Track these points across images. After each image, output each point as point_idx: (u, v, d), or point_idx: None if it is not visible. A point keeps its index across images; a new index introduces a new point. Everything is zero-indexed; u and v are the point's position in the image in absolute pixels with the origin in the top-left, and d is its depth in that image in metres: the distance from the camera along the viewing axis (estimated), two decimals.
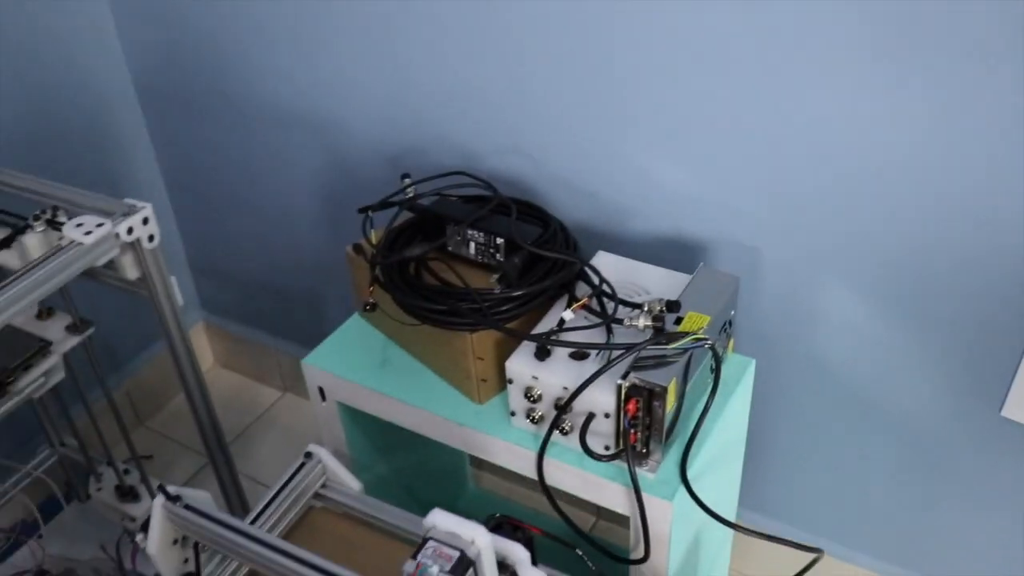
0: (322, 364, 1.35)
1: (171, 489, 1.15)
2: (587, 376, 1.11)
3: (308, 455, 1.30)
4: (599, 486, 1.16)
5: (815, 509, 1.54)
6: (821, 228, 1.29)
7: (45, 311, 1.41)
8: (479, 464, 1.86)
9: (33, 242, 1.22)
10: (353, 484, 1.31)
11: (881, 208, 1.23)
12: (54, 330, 1.37)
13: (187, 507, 1.13)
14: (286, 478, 1.28)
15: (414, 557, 0.86)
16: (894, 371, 1.35)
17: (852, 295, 1.32)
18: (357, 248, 1.33)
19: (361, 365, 1.34)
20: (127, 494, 1.70)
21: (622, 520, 1.17)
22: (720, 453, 1.26)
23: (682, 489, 1.13)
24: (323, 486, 1.28)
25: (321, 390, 1.37)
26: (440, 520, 0.87)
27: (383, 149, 1.59)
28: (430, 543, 0.86)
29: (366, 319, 1.41)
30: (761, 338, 1.41)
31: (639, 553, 1.17)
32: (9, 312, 1.12)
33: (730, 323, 1.25)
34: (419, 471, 1.65)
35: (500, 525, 1.01)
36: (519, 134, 1.44)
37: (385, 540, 1.20)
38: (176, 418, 2.15)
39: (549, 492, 1.19)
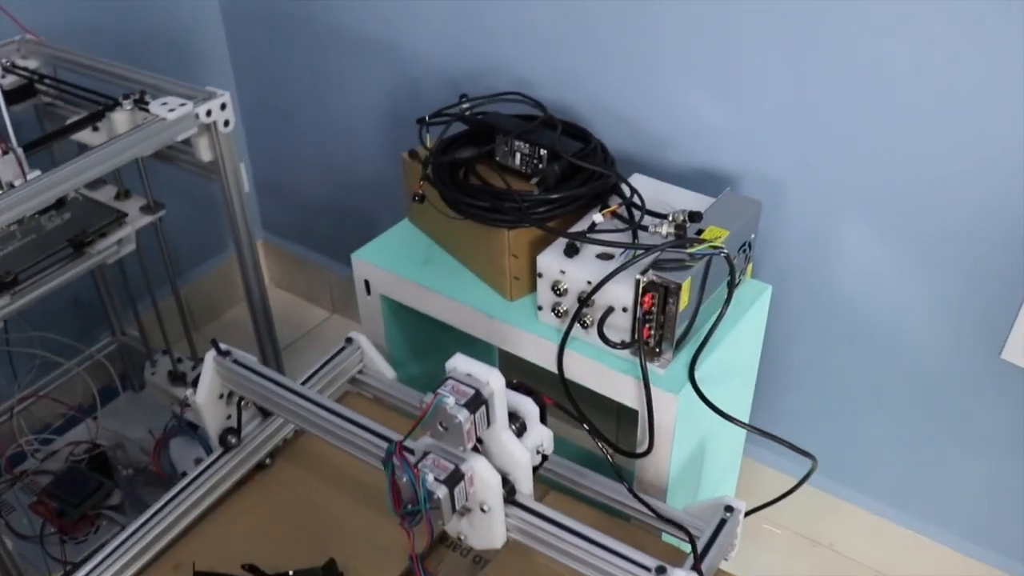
0: (370, 258, 1.47)
1: (222, 345, 1.27)
2: (607, 276, 1.21)
3: (349, 340, 1.42)
4: (612, 378, 1.26)
5: (818, 443, 1.61)
6: (845, 167, 1.37)
7: (123, 192, 1.54)
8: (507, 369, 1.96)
9: (121, 118, 1.36)
10: (388, 372, 1.43)
11: (904, 151, 1.31)
12: (130, 208, 1.50)
13: (236, 362, 1.25)
14: (327, 358, 1.39)
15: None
16: (904, 309, 1.43)
17: (870, 233, 1.40)
18: (412, 153, 1.45)
19: (405, 261, 1.45)
20: (178, 379, 1.84)
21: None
22: (730, 367, 1.35)
23: (688, 386, 1.23)
24: (360, 372, 1.40)
25: (367, 283, 1.49)
26: (460, 362, 0.97)
27: (446, 73, 1.71)
28: (449, 381, 0.96)
29: (414, 223, 1.52)
30: (780, 269, 1.49)
31: (643, 446, 1.27)
32: (96, 170, 1.25)
33: (750, 245, 1.34)
34: None
35: (517, 387, 1.11)
36: (571, 66, 1.54)
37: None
38: (230, 329, 2.28)
39: (567, 383, 1.29)
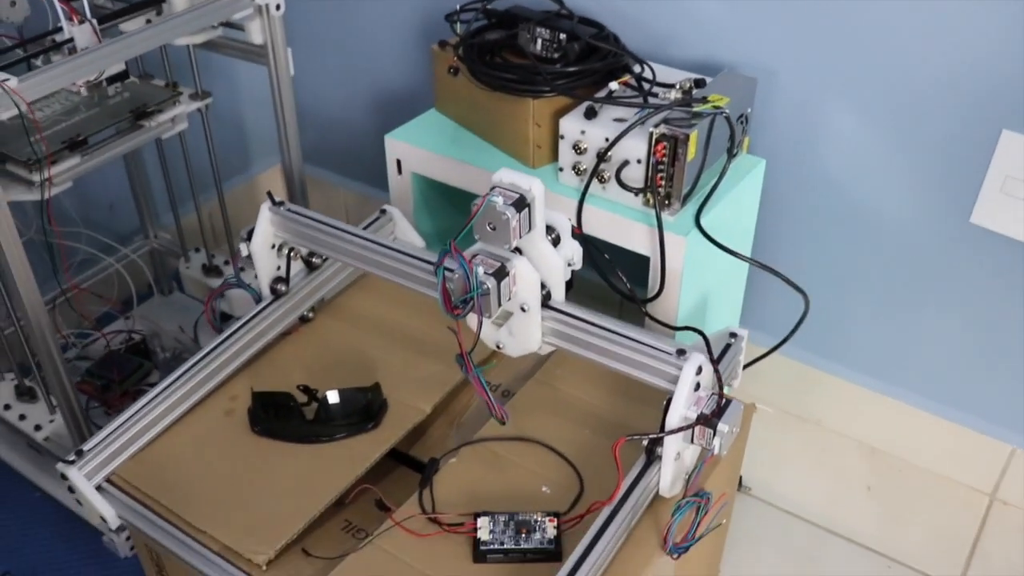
0: (402, 137, 1.61)
1: (276, 197, 1.41)
2: (624, 130, 1.36)
3: (383, 211, 1.56)
4: (626, 227, 1.41)
5: (806, 320, 1.76)
6: (831, 55, 1.53)
7: (172, 84, 1.68)
8: None
9: (179, 1, 1.49)
10: (418, 241, 1.57)
11: (882, 38, 1.47)
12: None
13: (290, 210, 1.39)
14: (364, 225, 1.53)
15: None
16: (885, 185, 1.59)
17: (853, 114, 1.56)
18: (442, 43, 1.60)
19: (435, 141, 1.60)
20: (211, 271, 1.97)
21: None
22: (730, 230, 1.50)
23: (695, 230, 1.38)
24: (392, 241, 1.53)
25: (399, 162, 1.63)
26: (505, 174, 1.12)
27: None
28: (496, 189, 1.11)
29: (441, 111, 1.67)
30: (772, 149, 1.64)
31: (655, 289, 1.42)
32: (164, 36, 1.40)
33: (746, 119, 1.50)
34: None
35: None
36: None
37: None
38: None
39: (585, 237, 1.43)
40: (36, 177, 1.37)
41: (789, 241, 1.73)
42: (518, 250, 1.13)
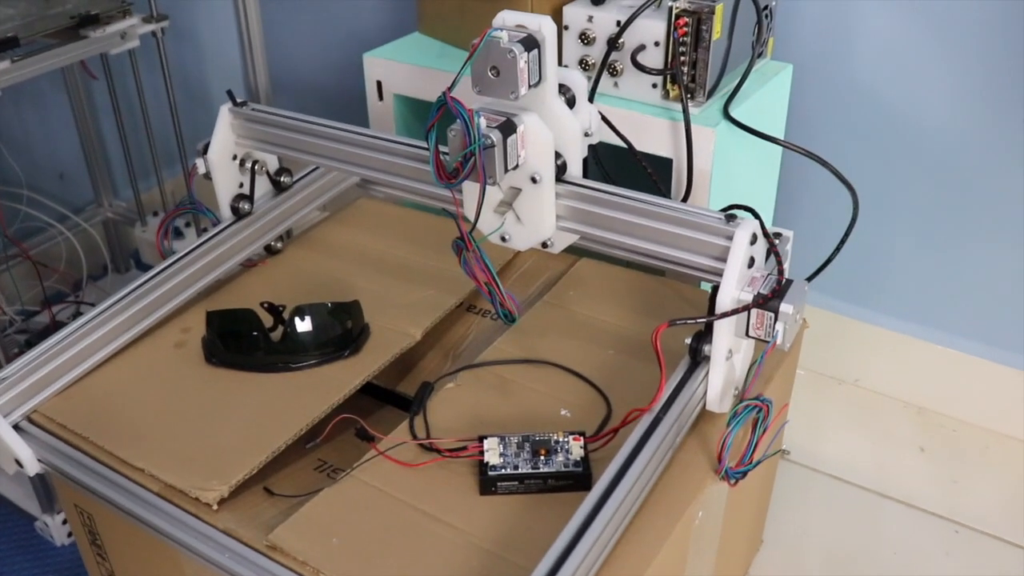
0: (383, 55, 1.41)
1: (238, 98, 1.21)
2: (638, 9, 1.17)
3: None
4: (644, 126, 1.21)
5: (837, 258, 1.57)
6: None
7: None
8: None
9: None
10: None
11: None
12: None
13: (255, 110, 1.19)
14: (337, 127, 1.32)
15: None
16: (923, 94, 1.40)
17: (887, 9, 1.37)
18: None
19: (420, 57, 1.40)
20: (172, 234, 1.76)
21: None
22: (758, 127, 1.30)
23: (725, 122, 1.18)
24: None
25: (379, 85, 1.43)
26: (509, 15, 0.92)
27: None
28: (500, 30, 0.90)
29: (424, 32, 1.48)
30: (799, 55, 1.45)
31: (680, 193, 1.21)
32: None
33: (771, 13, 1.31)
34: None
35: None
36: None
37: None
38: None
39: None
40: None
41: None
42: (524, 107, 0.92)
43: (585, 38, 1.22)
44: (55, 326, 1.60)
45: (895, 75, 1.41)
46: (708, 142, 1.17)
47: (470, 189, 0.93)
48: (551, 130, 0.92)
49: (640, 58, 1.18)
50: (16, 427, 1.00)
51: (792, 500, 1.41)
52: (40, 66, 1.27)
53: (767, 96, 1.30)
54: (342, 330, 1.07)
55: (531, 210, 0.96)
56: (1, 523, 1.43)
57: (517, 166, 0.92)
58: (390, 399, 1.10)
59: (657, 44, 1.17)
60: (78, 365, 1.05)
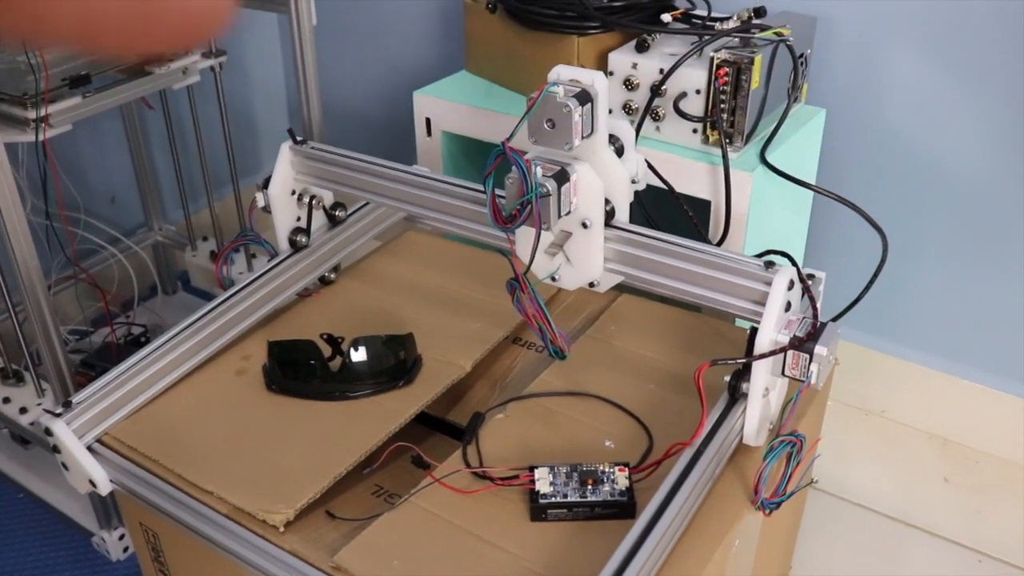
0: (432, 93, 1.47)
1: (298, 136, 1.27)
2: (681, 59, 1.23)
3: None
4: (684, 169, 1.27)
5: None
6: None
7: None
8: None
9: None
10: None
11: None
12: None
13: (314, 148, 1.25)
14: (394, 167, 1.38)
15: None
16: (953, 139, 1.45)
17: (917, 56, 1.42)
18: None
19: (468, 96, 1.46)
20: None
21: None
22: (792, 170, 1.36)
23: (761, 167, 1.24)
24: None
25: (428, 122, 1.49)
26: (564, 70, 0.97)
27: None
28: (556, 85, 0.96)
29: (471, 70, 1.54)
30: (832, 99, 1.50)
31: (718, 234, 1.27)
32: None
33: (806, 60, 1.36)
34: None
35: None
36: None
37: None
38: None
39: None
40: (29, 114, 1.23)
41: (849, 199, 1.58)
42: (577, 156, 0.98)
43: (629, 84, 1.28)
44: (116, 347, 1.66)
45: (924, 120, 1.46)
46: (745, 186, 1.22)
47: (525, 233, 0.99)
48: (601, 178, 0.98)
49: (682, 105, 1.24)
50: (88, 449, 1.06)
51: (820, 528, 1.45)
52: (108, 102, 1.34)
53: (801, 140, 1.35)
54: (396, 361, 1.13)
55: (580, 253, 1.02)
56: (58, 537, 1.50)
57: (569, 212, 0.98)
58: (441, 427, 1.16)
59: (698, 92, 1.23)
60: (146, 391, 1.11)
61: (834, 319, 1.25)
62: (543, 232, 0.97)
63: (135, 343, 1.70)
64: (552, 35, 1.34)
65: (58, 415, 1.05)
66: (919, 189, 1.51)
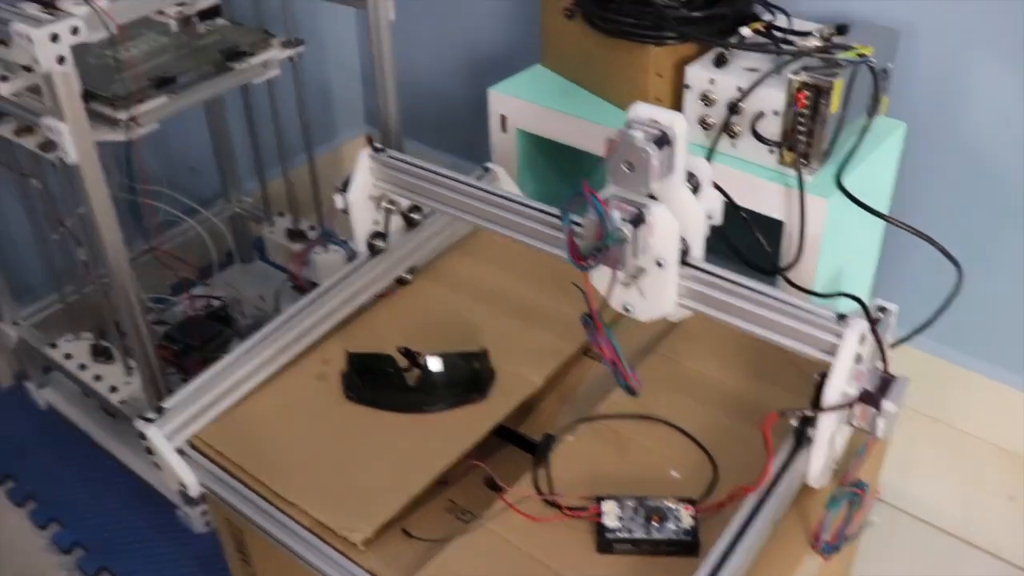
0: (507, 91, 1.48)
1: (377, 143, 1.29)
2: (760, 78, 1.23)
3: (486, 169, 1.44)
4: (758, 188, 1.27)
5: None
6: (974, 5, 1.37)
7: (261, 30, 1.57)
8: None
9: None
10: None
11: None
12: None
13: (392, 157, 1.27)
14: (467, 183, 1.41)
15: None
16: None
17: (1004, 70, 1.40)
18: None
19: (543, 94, 1.48)
20: (296, 236, 1.86)
21: None
22: (866, 194, 1.35)
23: (837, 192, 1.24)
24: None
25: (503, 119, 1.51)
26: (643, 109, 0.98)
27: None
28: (634, 124, 0.97)
29: (547, 65, 1.55)
30: (913, 113, 1.49)
31: (791, 257, 1.28)
32: None
33: (887, 73, 1.35)
34: None
35: None
36: None
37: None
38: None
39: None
40: (120, 115, 1.27)
41: (927, 214, 1.57)
42: (653, 197, 1.00)
43: (706, 99, 1.28)
44: (195, 320, 1.71)
45: (1009, 134, 1.44)
46: (820, 211, 1.23)
47: (600, 269, 1.01)
48: (677, 217, 1.00)
49: (759, 126, 1.24)
50: (179, 451, 1.12)
51: (877, 540, 1.47)
52: (192, 99, 1.37)
53: (880, 157, 1.35)
54: (471, 375, 1.17)
55: (654, 288, 1.04)
56: (144, 505, 1.58)
57: (646, 251, 1.00)
58: (511, 438, 1.20)
59: (776, 113, 1.23)
60: (231, 394, 1.16)
61: (900, 342, 1.27)
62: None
63: (215, 317, 1.76)
64: (629, 43, 1.34)
65: (151, 420, 1.11)
66: (1000, 203, 1.49)
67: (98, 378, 1.57)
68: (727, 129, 1.28)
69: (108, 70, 1.27)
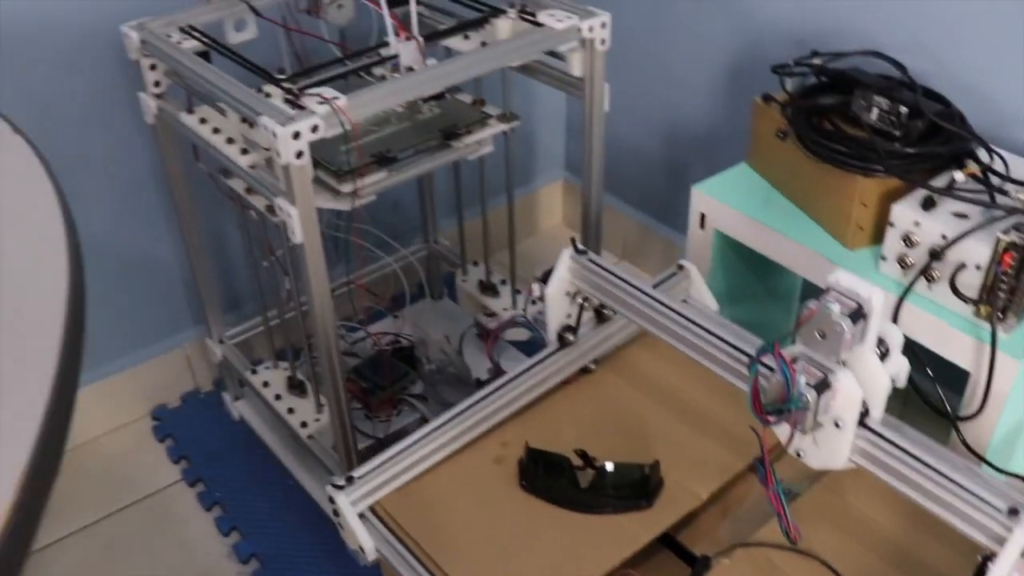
0: (710, 191, 1.52)
1: (579, 245, 1.36)
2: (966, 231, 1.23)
3: (680, 267, 1.48)
4: (949, 337, 1.28)
5: None
6: None
7: (479, 100, 1.65)
8: None
9: (504, 25, 1.47)
10: (711, 303, 1.49)
11: None
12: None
13: (592, 261, 1.34)
14: (658, 280, 1.46)
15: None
16: None
17: None
18: (766, 97, 1.50)
19: (744, 199, 1.51)
20: (488, 289, 1.95)
21: None
22: None
23: None
24: (684, 300, 1.45)
25: (703, 217, 1.55)
26: (844, 277, 1.01)
27: (788, 30, 1.74)
28: (832, 292, 1.01)
29: (752, 167, 1.57)
30: None
31: (972, 408, 1.27)
32: (491, 64, 1.40)
33: None
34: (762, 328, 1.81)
35: None
36: (923, 32, 1.54)
37: None
38: (525, 258, 2.34)
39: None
40: (344, 188, 1.38)
41: None
42: (842, 361, 1.03)
43: (908, 240, 1.29)
44: (383, 358, 1.82)
45: None
46: (1011, 371, 1.22)
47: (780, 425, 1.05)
48: (861, 383, 1.02)
49: (959, 277, 1.24)
50: (361, 515, 1.22)
51: None
52: (408, 175, 1.46)
53: None
54: (642, 481, 1.23)
55: (829, 444, 1.07)
56: (318, 529, 1.70)
57: (827, 413, 1.03)
58: (668, 543, 1.25)
59: (979, 267, 1.23)
60: (414, 468, 1.26)
61: None
62: None
63: (401, 354, 1.86)
64: (837, 169, 1.36)
65: (340, 488, 1.21)
66: None
67: (291, 411, 1.70)
68: (925, 273, 1.28)
69: (335, 140, 1.37)
